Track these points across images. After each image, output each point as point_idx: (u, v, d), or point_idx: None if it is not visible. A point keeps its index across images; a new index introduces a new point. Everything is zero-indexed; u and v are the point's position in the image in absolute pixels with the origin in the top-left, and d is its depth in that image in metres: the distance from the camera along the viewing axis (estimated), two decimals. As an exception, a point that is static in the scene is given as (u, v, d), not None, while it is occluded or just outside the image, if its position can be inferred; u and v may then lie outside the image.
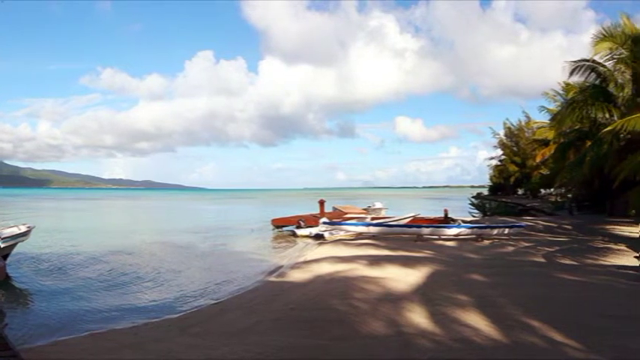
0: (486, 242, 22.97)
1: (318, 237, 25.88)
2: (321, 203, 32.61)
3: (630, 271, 14.05)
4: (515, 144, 78.82)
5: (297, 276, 15.02)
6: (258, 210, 68.05)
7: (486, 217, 42.33)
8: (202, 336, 9.05)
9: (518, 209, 52.24)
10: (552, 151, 48.31)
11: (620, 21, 33.33)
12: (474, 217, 44.82)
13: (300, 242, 25.57)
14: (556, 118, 39.50)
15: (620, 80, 33.53)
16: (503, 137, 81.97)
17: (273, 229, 31.72)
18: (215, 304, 12.41)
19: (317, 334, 8.54)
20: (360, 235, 25.09)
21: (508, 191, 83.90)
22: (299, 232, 28.43)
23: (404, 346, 7.71)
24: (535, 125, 66.37)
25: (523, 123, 76.82)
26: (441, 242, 23.15)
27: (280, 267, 17.65)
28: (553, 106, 48.99)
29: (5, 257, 16.34)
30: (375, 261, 16.58)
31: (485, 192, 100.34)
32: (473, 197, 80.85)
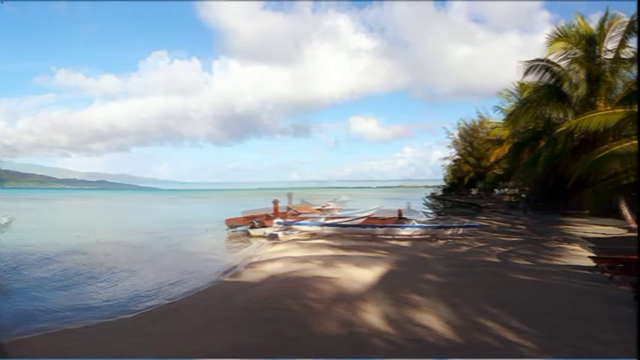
0: (440, 242, 23.23)
1: (272, 237, 25.87)
2: (275, 203, 32.68)
3: (584, 271, 14.23)
4: (470, 144, 79.31)
5: (251, 276, 15.02)
6: (212, 210, 67.57)
7: (440, 217, 42.73)
8: (156, 336, 9.02)
9: (473, 209, 52.69)
10: (507, 151, 48.96)
11: (574, 21, 34.13)
12: (428, 216, 45.20)
13: (255, 242, 25.48)
14: (510, 118, 39.92)
15: (574, 80, 34.19)
16: (458, 137, 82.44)
17: (228, 229, 31.56)
18: (169, 304, 12.34)
19: (271, 334, 8.58)
20: (314, 235, 25.20)
21: (462, 191, 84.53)
22: (253, 232, 28.36)
23: (358, 346, 7.80)
24: (489, 125, 66.95)
25: (477, 123, 77.40)
26: (395, 242, 23.35)
27: (234, 267, 17.60)
28: (508, 106, 49.65)
29: None
30: (329, 261, 16.67)
31: (440, 192, 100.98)
32: (427, 197, 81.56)
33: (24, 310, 11.73)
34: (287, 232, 26.17)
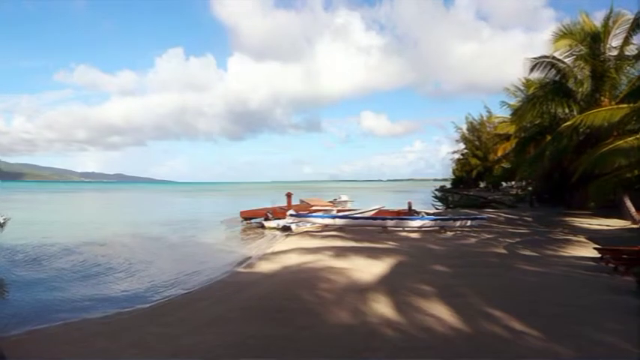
0: (449, 234, 23.46)
1: (286, 229, 26.10)
2: (289, 196, 32.89)
3: (588, 262, 14.36)
4: (478, 138, 79.38)
5: (264, 267, 15.28)
6: (227, 203, 67.60)
7: (449, 210, 42.88)
8: (172, 325, 9.21)
9: (480, 202, 52.68)
10: (513, 145, 49.00)
11: (579, 19, 34.08)
12: (437, 209, 45.34)
13: (268, 234, 25.73)
14: (517, 113, 39.98)
15: (579, 76, 34.18)
16: (466, 132, 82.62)
17: (242, 222, 31.67)
18: (185, 294, 12.57)
19: (284, 323, 8.78)
20: (326, 227, 25.45)
21: (470, 184, 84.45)
22: (267, 224, 28.50)
23: (369, 335, 7.98)
24: (496, 120, 67.07)
25: (485, 118, 77.58)
26: (405, 234, 23.56)
27: (249, 258, 17.82)
28: (514, 102, 49.70)
29: None
30: (340, 252, 16.98)
31: (448, 185, 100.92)
32: (436, 190, 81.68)
33: (45, 299, 12.00)
34: (300, 224, 26.40)
